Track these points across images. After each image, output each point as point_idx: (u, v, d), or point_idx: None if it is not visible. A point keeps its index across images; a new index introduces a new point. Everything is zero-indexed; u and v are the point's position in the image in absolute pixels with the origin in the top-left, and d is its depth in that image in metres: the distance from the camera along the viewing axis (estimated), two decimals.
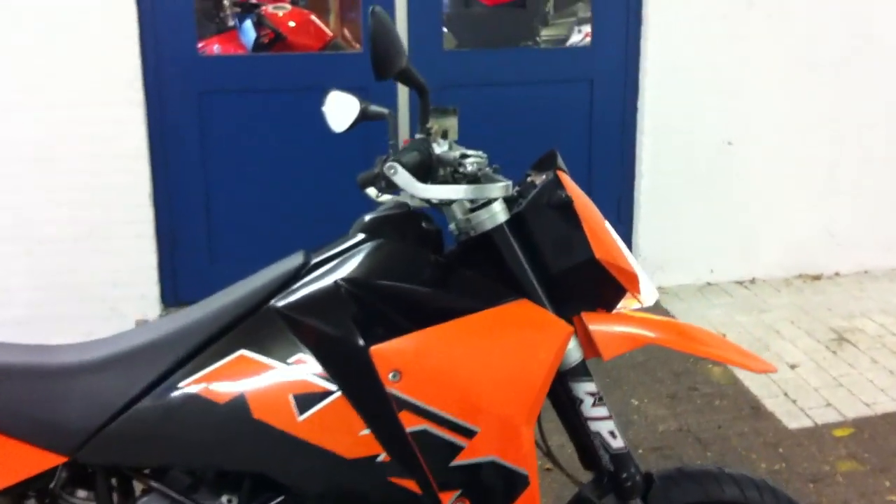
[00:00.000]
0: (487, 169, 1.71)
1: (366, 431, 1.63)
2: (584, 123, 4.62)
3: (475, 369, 1.62)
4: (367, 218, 1.77)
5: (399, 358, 1.60)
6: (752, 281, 4.79)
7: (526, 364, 1.64)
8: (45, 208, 3.94)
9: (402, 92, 4.22)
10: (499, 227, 1.71)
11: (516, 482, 1.64)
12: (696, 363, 3.91)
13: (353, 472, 1.62)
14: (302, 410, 1.62)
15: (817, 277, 4.83)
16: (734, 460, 3.19)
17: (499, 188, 1.67)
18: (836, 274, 4.87)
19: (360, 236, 1.74)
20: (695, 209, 4.69)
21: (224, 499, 1.68)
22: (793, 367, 3.88)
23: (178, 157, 4.17)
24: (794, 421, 3.47)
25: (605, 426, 1.78)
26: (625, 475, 1.79)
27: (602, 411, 1.77)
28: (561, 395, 1.79)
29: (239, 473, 1.66)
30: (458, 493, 1.63)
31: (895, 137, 4.80)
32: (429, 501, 1.63)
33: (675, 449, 3.26)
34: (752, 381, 3.75)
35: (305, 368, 1.64)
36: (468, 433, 1.62)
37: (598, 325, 1.78)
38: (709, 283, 4.76)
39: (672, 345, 1.82)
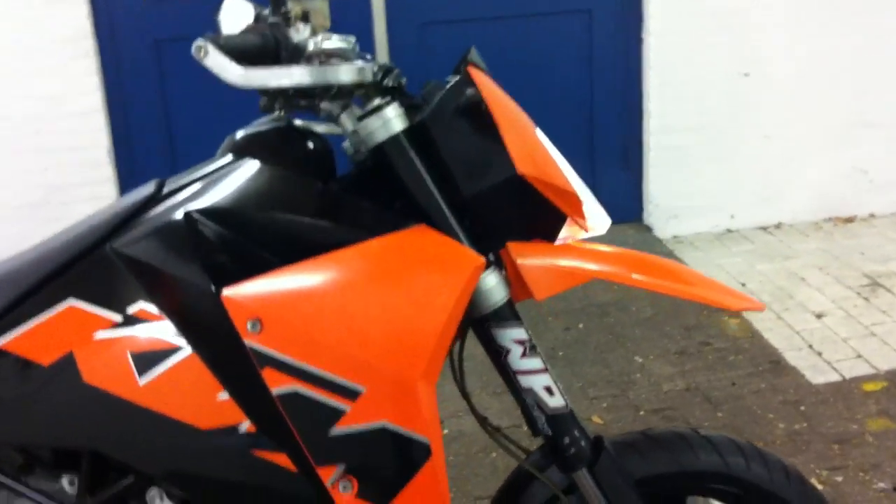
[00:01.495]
0: (362, 59, 1.36)
1: (223, 396, 1.29)
2: (584, 61, 4.22)
3: (356, 314, 1.27)
4: (238, 135, 1.43)
5: (258, 303, 1.26)
6: (778, 226, 4.37)
7: (422, 305, 1.29)
8: None
9: None
10: (394, 138, 1.35)
11: (414, 453, 1.29)
12: (710, 316, 3.53)
13: (210, 446, 1.29)
14: (143, 372, 1.30)
15: (849, 220, 4.40)
16: (748, 421, 2.81)
17: (349, 70, 1.31)
18: (871, 216, 4.43)
19: (228, 158, 1.41)
20: (710, 150, 4.28)
21: (64, 481, 1.37)
22: (819, 316, 3.48)
23: (138, 111, 3.86)
24: (818, 375, 3.08)
25: (538, 381, 1.42)
26: (566, 440, 1.43)
27: (534, 363, 1.42)
28: (489, 346, 1.44)
29: (75, 450, 1.34)
30: (340, 468, 1.29)
31: None
32: (305, 480, 1.29)
33: (680, 410, 2.89)
34: (772, 334, 3.36)
35: (148, 320, 1.31)
36: (350, 394, 1.27)
37: (529, 259, 1.42)
38: (729, 230, 4.35)
39: (623, 280, 1.45)
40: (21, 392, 1.31)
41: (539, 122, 1.51)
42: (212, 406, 1.29)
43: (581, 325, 3.51)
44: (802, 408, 2.89)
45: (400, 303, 1.29)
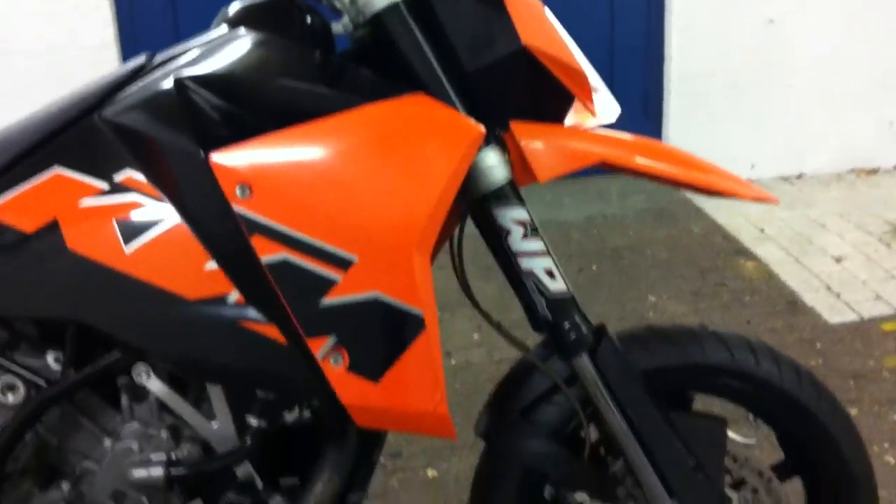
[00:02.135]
0: None
1: (211, 265, 1.25)
2: (605, 4, 4.13)
3: (349, 180, 1.23)
4: (233, 7, 1.39)
5: (247, 168, 1.22)
6: (799, 176, 4.29)
7: (418, 173, 1.24)
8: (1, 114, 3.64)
9: None
10: (393, 6, 1.30)
11: (407, 325, 1.24)
12: (727, 258, 3.46)
13: (197, 317, 1.25)
14: (129, 240, 1.26)
15: (873, 171, 4.31)
16: None
17: None
18: (895, 168, 4.33)
19: (222, 29, 1.36)
20: (732, 99, 4.19)
21: (49, 357, 1.34)
22: (838, 260, 3.40)
23: (151, 47, 3.82)
24: (836, 315, 3.01)
25: (539, 263, 1.37)
26: (566, 325, 1.38)
27: (535, 245, 1.36)
28: (489, 232, 1.39)
29: (60, 322, 1.31)
30: (331, 340, 1.24)
31: None
32: (295, 352, 1.25)
33: None
34: (790, 276, 3.29)
35: (135, 188, 1.27)
36: (342, 263, 1.23)
37: (533, 138, 1.37)
38: (749, 180, 4.25)
39: (633, 165, 1.40)
40: (3, 260, 1.27)
41: None
42: (199, 275, 1.25)
43: (594, 267, 3.45)
44: (818, 345, 2.83)
45: (395, 169, 1.24)
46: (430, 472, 2.31)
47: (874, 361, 2.74)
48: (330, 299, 1.23)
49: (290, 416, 1.38)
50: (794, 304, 3.10)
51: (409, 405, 1.27)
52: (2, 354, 1.33)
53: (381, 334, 1.25)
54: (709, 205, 4.01)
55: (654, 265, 3.47)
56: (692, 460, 1.42)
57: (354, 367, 1.25)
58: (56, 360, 1.34)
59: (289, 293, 1.23)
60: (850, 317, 3.00)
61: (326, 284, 1.23)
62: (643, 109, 4.25)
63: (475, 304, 1.49)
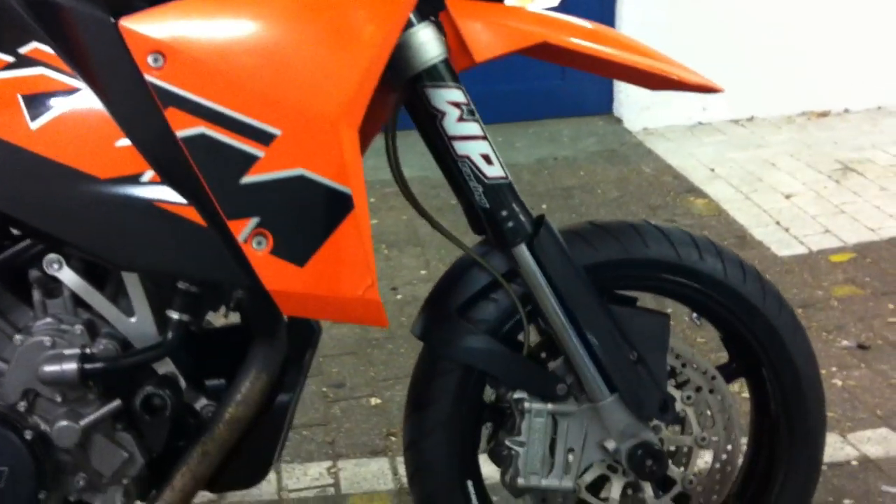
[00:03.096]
0: None
1: (124, 142, 1.18)
2: None
3: (272, 47, 1.16)
4: None
5: (160, 34, 1.14)
6: (750, 119, 4.26)
7: (345, 39, 1.18)
8: None
9: None
10: None
11: (334, 204, 1.17)
12: (677, 197, 3.44)
13: (109, 198, 1.17)
14: (36, 116, 1.18)
15: (824, 114, 4.29)
16: None
17: None
18: (846, 111, 4.32)
19: None
20: (683, 37, 4.14)
21: None
22: (788, 196, 3.39)
23: None
24: (785, 249, 3.00)
25: (475, 147, 1.31)
26: (504, 213, 1.32)
27: (471, 128, 1.30)
28: (424, 117, 1.32)
29: None
30: (253, 221, 1.17)
31: None
32: (215, 235, 1.18)
33: None
34: (740, 213, 3.27)
35: (42, 61, 1.19)
36: (264, 137, 1.15)
37: (470, 18, 1.31)
38: (700, 123, 4.23)
39: (574, 47, 1.34)
40: None
41: None
42: (111, 153, 1.18)
43: (544, 206, 3.40)
44: (767, 276, 2.80)
45: (321, 35, 1.17)
46: (374, 401, 2.25)
47: (822, 291, 2.72)
48: (251, 177, 1.16)
49: (214, 311, 1.32)
50: (743, 239, 3.08)
51: (338, 291, 1.20)
52: None
53: (307, 215, 1.18)
54: (660, 147, 3.97)
55: (603, 203, 3.43)
56: (634, 355, 1.37)
57: (278, 251, 1.18)
58: None
59: (207, 170, 1.16)
60: (799, 250, 2.98)
61: (247, 161, 1.16)
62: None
63: (408, 197, 1.42)
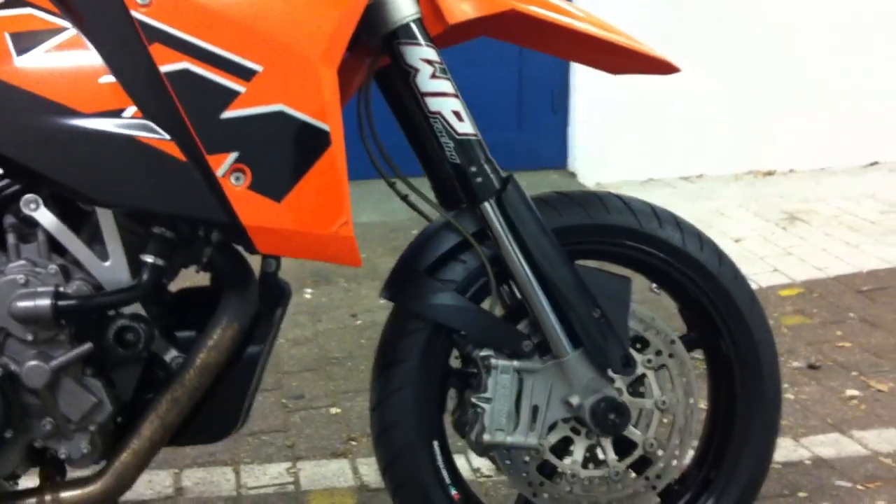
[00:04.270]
0: None
1: (108, 78, 1.22)
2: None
3: None
4: None
5: None
6: (700, 176, 4.40)
7: None
8: None
9: None
10: None
11: (312, 141, 1.22)
12: None
13: (91, 132, 1.20)
14: (21, 52, 1.22)
15: (770, 173, 4.45)
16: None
17: None
18: (791, 171, 4.49)
19: None
20: (637, 99, 4.30)
21: None
22: (737, 240, 3.49)
23: None
24: None
25: (447, 104, 1.36)
26: (473, 169, 1.37)
27: (443, 85, 1.36)
28: (397, 75, 1.37)
29: None
30: (232, 156, 1.21)
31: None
32: (195, 170, 1.21)
33: None
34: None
35: (29, 2, 1.24)
36: (245, 73, 1.20)
37: None
38: (652, 178, 4.36)
39: (544, 18, 1.41)
40: None
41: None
42: (94, 89, 1.21)
43: None
44: None
45: None
46: (334, 410, 2.25)
47: (773, 321, 2.78)
48: (232, 112, 1.21)
49: (185, 268, 1.34)
50: None
51: (313, 227, 1.24)
52: None
53: (285, 150, 1.22)
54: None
55: None
56: (597, 312, 1.41)
57: (257, 187, 1.22)
58: None
59: (189, 105, 1.20)
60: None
61: (229, 96, 1.20)
62: (552, 107, 4.33)
63: (381, 173, 1.44)
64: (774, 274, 3.16)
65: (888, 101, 4.49)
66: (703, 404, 1.55)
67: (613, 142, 4.32)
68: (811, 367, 2.49)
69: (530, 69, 4.26)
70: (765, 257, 3.32)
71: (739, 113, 4.39)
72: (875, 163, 4.53)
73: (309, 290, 3.02)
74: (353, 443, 2.09)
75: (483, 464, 1.96)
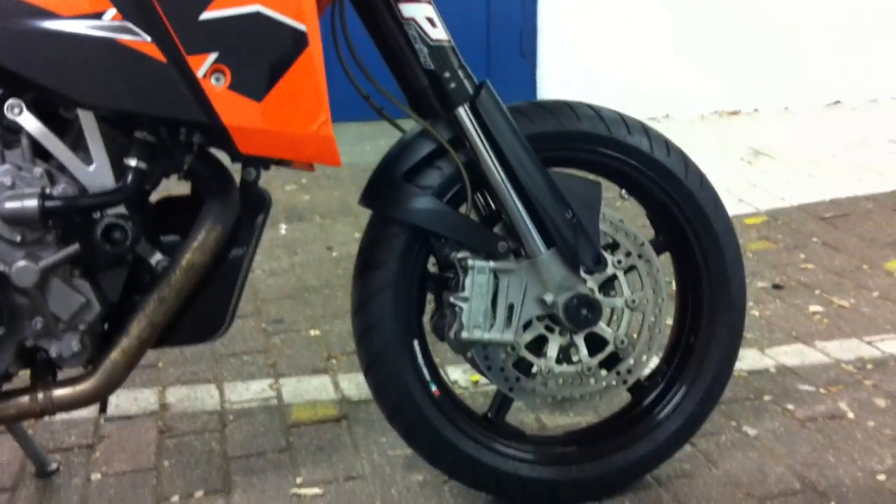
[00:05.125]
0: None
1: None
2: None
3: None
4: None
5: None
6: (666, 116, 4.46)
7: None
8: None
9: None
10: None
11: (290, 41, 1.25)
12: None
13: (72, 35, 1.23)
14: None
15: (735, 113, 4.52)
16: None
17: None
18: (755, 110, 4.56)
19: None
20: (602, 40, 4.35)
21: None
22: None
23: None
24: None
25: (420, 10, 1.40)
26: (447, 74, 1.41)
27: None
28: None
29: None
30: (212, 56, 1.24)
31: None
32: (175, 71, 1.24)
33: None
34: None
35: None
36: None
37: None
38: None
39: None
40: None
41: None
42: None
43: None
44: None
45: None
46: (313, 332, 2.30)
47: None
48: (211, 12, 1.23)
49: (170, 166, 1.36)
50: None
51: (293, 126, 1.27)
52: None
53: (264, 51, 1.25)
54: None
55: None
56: (569, 213, 1.46)
57: (236, 86, 1.25)
58: None
59: (168, 6, 1.22)
60: None
61: None
62: (520, 48, 4.36)
63: (358, 88, 1.46)
64: (740, 204, 3.24)
65: (850, 41, 4.58)
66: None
67: (581, 83, 4.37)
68: (776, 286, 2.57)
69: (497, 6, 4.28)
70: (730, 189, 3.38)
71: (703, 53, 4.45)
72: (837, 102, 4.63)
73: (284, 226, 3.05)
74: (334, 361, 2.14)
75: (459, 376, 2.02)
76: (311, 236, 2.98)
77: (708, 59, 4.47)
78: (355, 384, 2.00)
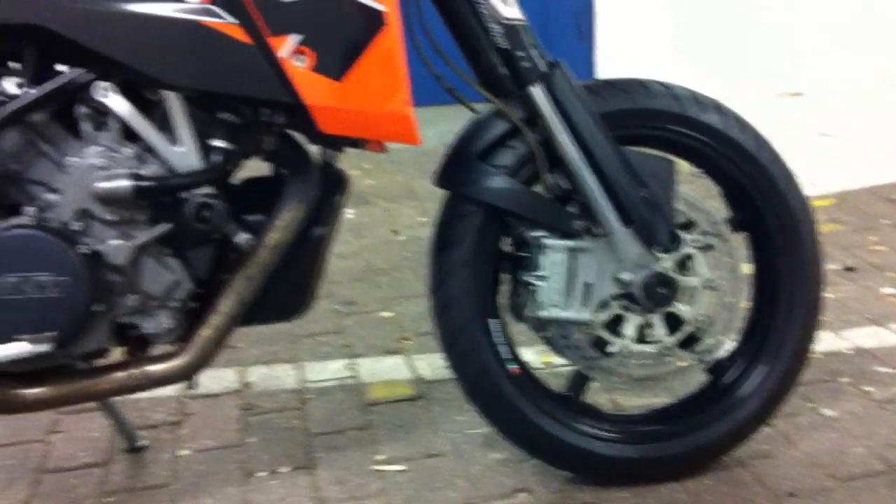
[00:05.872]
0: None
1: None
2: None
3: None
4: None
5: None
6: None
7: None
8: None
9: None
10: None
11: (369, 21, 1.28)
12: None
13: (161, 18, 1.27)
14: None
15: (797, 94, 4.46)
16: None
17: None
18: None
19: None
20: (661, 21, 4.31)
21: (6, 83, 1.33)
22: None
23: None
24: None
25: None
26: (521, 53, 1.43)
27: None
28: None
29: (18, 37, 1.30)
30: (294, 38, 1.28)
31: None
32: (258, 53, 1.28)
33: None
34: None
35: None
36: None
37: None
38: None
39: None
40: None
41: None
42: None
43: None
44: None
45: None
46: (385, 314, 2.33)
47: None
48: None
49: (252, 147, 1.40)
50: None
51: (372, 105, 1.30)
52: None
53: (343, 31, 1.29)
54: None
55: None
56: (644, 191, 1.47)
57: (317, 67, 1.29)
58: (18, 86, 1.33)
59: None
60: None
61: None
62: (577, 31, 4.36)
63: (431, 70, 1.47)
64: (808, 187, 3.19)
65: None
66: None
67: (640, 67, 4.34)
68: (847, 269, 2.54)
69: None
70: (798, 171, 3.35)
71: (770, 31, 4.39)
72: None
73: (350, 211, 3.09)
74: (407, 341, 2.17)
75: (531, 358, 2.03)
76: (377, 220, 3.01)
77: (767, 40, 4.40)
78: (429, 365, 2.03)
